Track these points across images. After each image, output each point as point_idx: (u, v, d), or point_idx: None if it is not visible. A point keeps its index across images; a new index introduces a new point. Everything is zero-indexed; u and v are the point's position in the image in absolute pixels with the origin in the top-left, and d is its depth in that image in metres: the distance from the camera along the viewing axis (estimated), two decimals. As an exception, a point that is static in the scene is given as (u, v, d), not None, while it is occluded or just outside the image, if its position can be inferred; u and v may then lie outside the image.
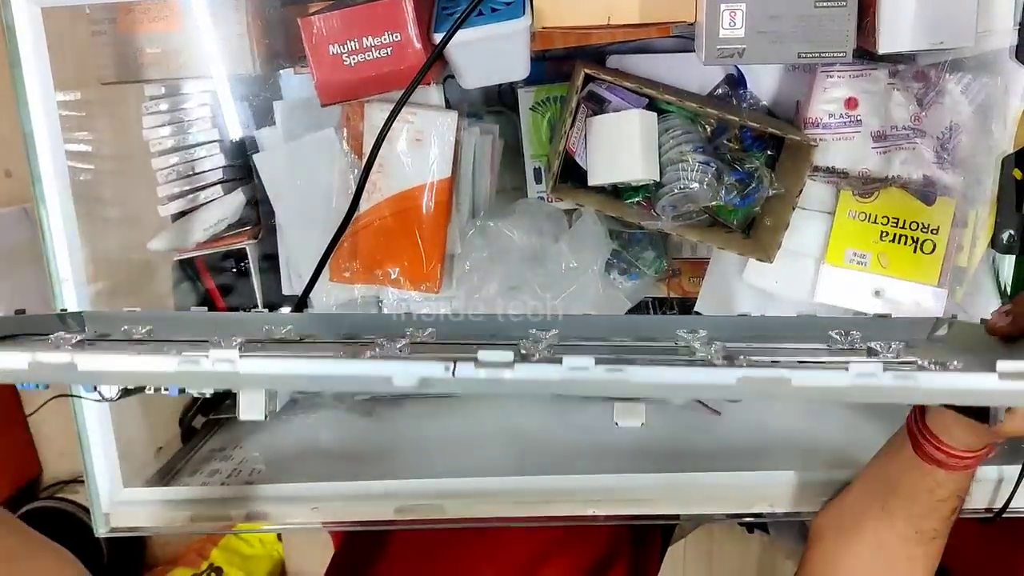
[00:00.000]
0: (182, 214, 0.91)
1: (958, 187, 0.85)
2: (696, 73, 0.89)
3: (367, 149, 0.83)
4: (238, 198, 0.92)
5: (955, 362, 0.53)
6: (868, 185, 0.86)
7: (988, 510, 0.82)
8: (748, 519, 0.86)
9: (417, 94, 0.80)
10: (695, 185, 0.82)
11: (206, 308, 0.77)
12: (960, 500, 0.71)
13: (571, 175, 0.89)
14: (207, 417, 1.00)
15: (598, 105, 0.86)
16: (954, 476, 0.69)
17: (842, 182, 0.87)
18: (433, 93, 0.86)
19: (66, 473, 1.64)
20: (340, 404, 0.97)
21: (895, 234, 0.86)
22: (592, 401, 0.89)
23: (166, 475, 0.89)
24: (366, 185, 0.84)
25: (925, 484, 0.70)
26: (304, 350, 0.64)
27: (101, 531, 0.87)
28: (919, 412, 0.71)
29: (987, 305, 0.88)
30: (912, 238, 0.86)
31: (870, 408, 0.90)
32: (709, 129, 0.87)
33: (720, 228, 0.90)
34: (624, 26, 0.77)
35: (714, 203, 0.85)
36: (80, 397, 0.81)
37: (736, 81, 0.89)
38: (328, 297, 0.90)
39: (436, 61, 0.77)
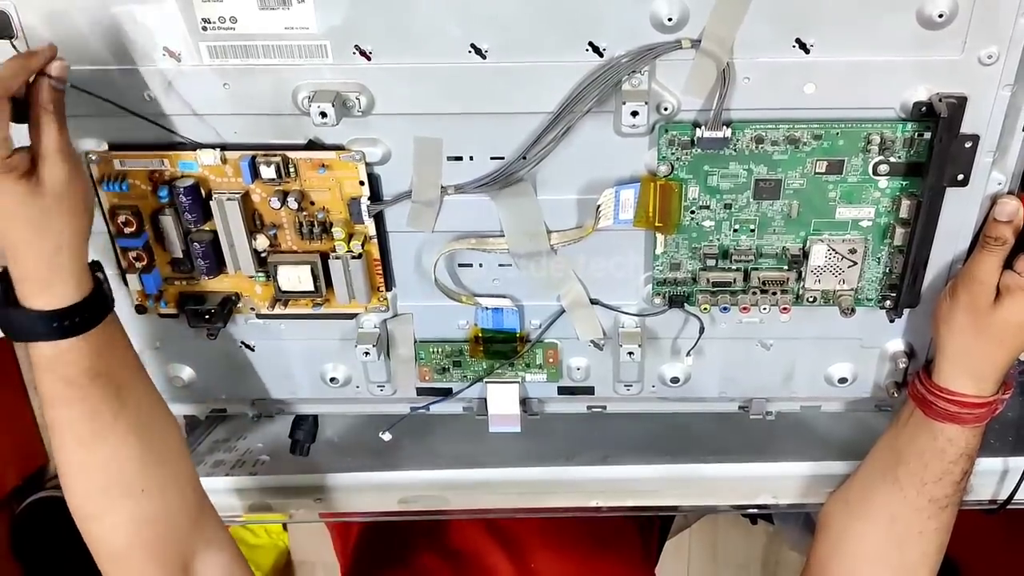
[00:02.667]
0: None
1: None
2: None
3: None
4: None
5: None
6: None
7: (992, 502, 0.82)
8: (752, 511, 0.85)
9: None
10: None
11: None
12: (970, 462, 0.72)
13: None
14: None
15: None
16: (965, 433, 0.70)
17: None
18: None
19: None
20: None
21: None
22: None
23: (171, 465, 0.89)
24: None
25: (937, 445, 0.71)
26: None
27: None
28: (923, 376, 0.72)
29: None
30: None
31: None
32: None
33: None
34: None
35: None
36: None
37: None
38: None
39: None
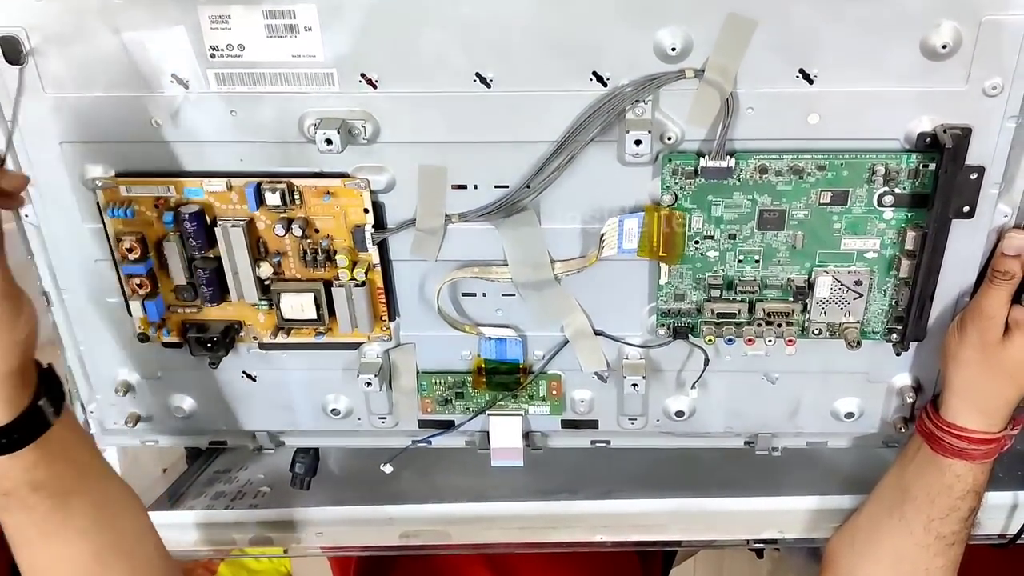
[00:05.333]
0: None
1: None
2: None
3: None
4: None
5: None
6: None
7: (1002, 536, 0.81)
8: (758, 545, 0.84)
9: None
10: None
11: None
12: (978, 499, 0.71)
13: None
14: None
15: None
16: (973, 469, 0.69)
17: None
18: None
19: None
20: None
21: None
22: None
23: (172, 497, 0.88)
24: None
25: (944, 481, 0.70)
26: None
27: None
28: (931, 410, 0.71)
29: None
30: None
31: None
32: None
33: None
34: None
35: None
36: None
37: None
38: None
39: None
